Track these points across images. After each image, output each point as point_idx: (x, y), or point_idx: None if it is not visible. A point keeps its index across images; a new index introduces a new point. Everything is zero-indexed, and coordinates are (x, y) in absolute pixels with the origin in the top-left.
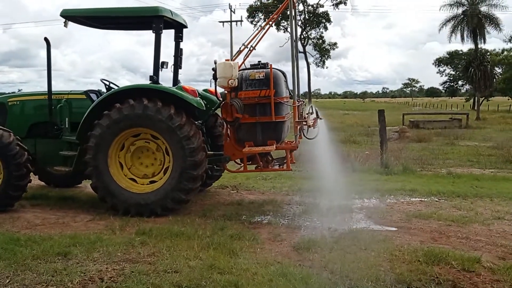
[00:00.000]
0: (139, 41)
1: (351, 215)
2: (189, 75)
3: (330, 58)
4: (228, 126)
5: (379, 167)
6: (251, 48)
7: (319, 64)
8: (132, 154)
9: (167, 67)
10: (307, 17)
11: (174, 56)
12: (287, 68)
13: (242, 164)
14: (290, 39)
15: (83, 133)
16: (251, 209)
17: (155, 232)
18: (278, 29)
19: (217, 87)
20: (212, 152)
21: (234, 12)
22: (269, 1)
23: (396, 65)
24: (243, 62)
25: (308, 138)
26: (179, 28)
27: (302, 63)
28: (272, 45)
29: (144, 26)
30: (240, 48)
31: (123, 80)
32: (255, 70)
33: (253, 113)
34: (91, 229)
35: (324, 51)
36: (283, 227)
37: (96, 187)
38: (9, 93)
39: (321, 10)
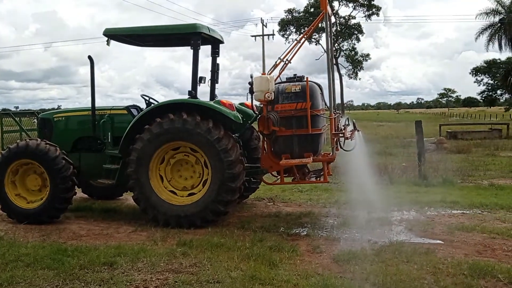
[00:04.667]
0: (173, 57)
1: (390, 228)
2: (221, 88)
3: (362, 69)
4: (265, 139)
5: (418, 179)
6: (287, 62)
7: (352, 76)
8: (172, 167)
9: (205, 82)
10: (339, 29)
11: (211, 71)
12: (319, 80)
13: (279, 177)
14: (326, 52)
15: (125, 147)
16: (289, 221)
17: (196, 243)
18: (309, 41)
19: (253, 101)
20: (249, 165)
21: (266, 26)
22: (301, 15)
23: (431, 75)
24: (278, 76)
25: (346, 150)
26: (215, 43)
27: (325, 75)
28: (303, 58)
29: (182, 43)
30: (276, 61)
31: (158, 95)
32: (291, 83)
33: (290, 125)
34: (134, 240)
35: (356, 62)
36: (322, 239)
37: (138, 199)
38: (52, 109)
39: (353, 21)
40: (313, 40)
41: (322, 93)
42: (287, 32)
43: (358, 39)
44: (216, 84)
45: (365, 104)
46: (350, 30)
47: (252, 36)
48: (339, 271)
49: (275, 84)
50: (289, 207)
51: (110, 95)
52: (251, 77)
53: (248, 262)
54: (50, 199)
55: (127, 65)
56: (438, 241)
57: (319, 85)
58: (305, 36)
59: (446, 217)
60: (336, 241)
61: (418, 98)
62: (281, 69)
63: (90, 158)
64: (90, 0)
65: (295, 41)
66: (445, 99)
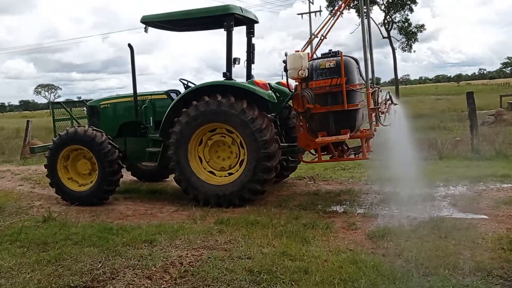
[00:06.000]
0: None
1: (433, 204)
2: (271, 69)
3: (417, 41)
4: (300, 117)
5: (470, 153)
6: (322, 38)
7: (406, 49)
8: (209, 148)
9: (239, 63)
10: (390, 0)
11: (247, 51)
12: (374, 55)
13: (317, 155)
14: (360, 24)
15: (165, 130)
16: (327, 199)
17: (232, 221)
18: (359, 15)
19: (289, 79)
20: (286, 144)
21: (312, 3)
22: None
23: (493, 44)
24: (314, 52)
25: (383, 125)
26: (250, 24)
27: (387, 49)
28: (356, 34)
29: (216, 25)
30: (310, 37)
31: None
32: (325, 59)
33: (325, 102)
34: (175, 219)
35: (410, 34)
36: (359, 216)
37: (179, 180)
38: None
39: None
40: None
41: (359, 68)
42: (335, 8)
43: (411, 10)
44: (252, 65)
45: (423, 78)
46: (402, 1)
47: (299, 14)
48: (372, 247)
49: (310, 60)
50: (329, 185)
51: (165, 81)
52: (286, 55)
53: (281, 239)
54: (99, 182)
55: (180, 52)
56: (482, 216)
57: (355, 60)
58: (340, 10)
59: (495, 191)
60: (373, 218)
61: (480, 69)
62: (316, 44)
63: (134, 142)
64: None
65: (329, 16)
66: (509, 68)
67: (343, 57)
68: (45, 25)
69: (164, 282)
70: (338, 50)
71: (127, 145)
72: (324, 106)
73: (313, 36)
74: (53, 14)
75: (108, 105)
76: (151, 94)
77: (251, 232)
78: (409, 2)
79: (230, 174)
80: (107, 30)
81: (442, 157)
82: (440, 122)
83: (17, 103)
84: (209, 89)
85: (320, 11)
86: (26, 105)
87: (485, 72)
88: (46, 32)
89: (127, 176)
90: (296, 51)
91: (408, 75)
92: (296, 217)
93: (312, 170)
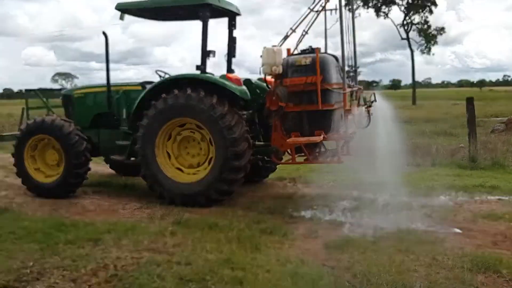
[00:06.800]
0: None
1: (408, 213)
2: None
3: (436, 44)
4: (274, 115)
5: (466, 162)
6: (304, 33)
7: (425, 51)
8: (179, 144)
9: (214, 56)
10: (410, 1)
11: (228, 44)
12: (395, 57)
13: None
14: (338, 20)
15: (134, 123)
16: (299, 203)
17: (192, 222)
18: (377, 15)
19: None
20: (261, 143)
21: (328, 1)
22: None
23: None
24: (296, 48)
25: (360, 128)
26: (232, 16)
27: (406, 51)
28: (377, 34)
29: (194, 16)
30: (287, 33)
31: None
32: (302, 56)
33: (299, 101)
34: (134, 216)
35: (430, 37)
36: (325, 223)
37: (145, 176)
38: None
39: None
40: (381, 13)
41: (339, 66)
42: (354, 6)
43: (431, 11)
44: (233, 58)
45: (445, 82)
46: (422, 2)
47: (315, 11)
48: (325, 258)
49: (289, 56)
50: (307, 188)
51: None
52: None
53: (232, 244)
54: (65, 174)
55: (198, 45)
56: (455, 230)
57: (336, 57)
58: (322, 6)
59: (477, 203)
60: (339, 226)
61: (504, 75)
62: (298, 40)
63: (107, 134)
64: None
65: (308, 11)
66: None
67: (320, 54)
68: (66, 13)
69: (87, 286)
70: (318, 47)
71: (100, 137)
72: (298, 105)
73: (290, 31)
74: (74, 2)
75: (82, 95)
76: (125, 85)
77: (205, 236)
78: (428, 4)
79: (198, 172)
80: (127, 20)
81: (435, 164)
82: (449, 128)
83: None
84: (182, 82)
85: (335, 9)
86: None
87: (509, 79)
88: (68, 20)
89: (105, 169)
90: (273, 46)
91: (429, 79)
92: (258, 221)
93: (297, 171)
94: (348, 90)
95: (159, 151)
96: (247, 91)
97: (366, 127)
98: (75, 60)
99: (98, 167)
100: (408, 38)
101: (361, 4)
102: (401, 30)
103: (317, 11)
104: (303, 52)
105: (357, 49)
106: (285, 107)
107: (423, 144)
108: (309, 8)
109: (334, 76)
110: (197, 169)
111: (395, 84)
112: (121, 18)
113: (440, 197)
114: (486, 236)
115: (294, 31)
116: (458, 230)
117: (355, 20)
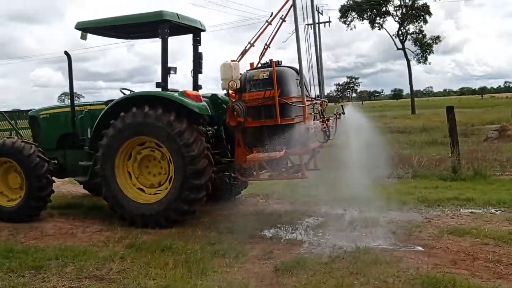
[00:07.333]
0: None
1: (372, 230)
2: None
3: (432, 53)
4: (234, 131)
5: (448, 172)
6: (266, 47)
7: (421, 60)
8: (139, 164)
9: (175, 73)
10: (404, 11)
11: (193, 60)
12: (395, 67)
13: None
14: (295, 31)
15: (96, 143)
16: (265, 221)
17: (146, 245)
18: (372, 27)
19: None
20: (227, 159)
21: (321, 14)
22: None
23: None
24: (259, 62)
25: (321, 142)
26: (196, 32)
27: (402, 61)
28: (376, 45)
29: (154, 33)
30: (245, 47)
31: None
32: (260, 70)
33: (258, 116)
34: (92, 240)
35: (425, 46)
36: (283, 242)
37: (106, 197)
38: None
39: (420, 2)
40: (376, 25)
41: (300, 79)
42: (349, 18)
43: (425, 21)
44: (200, 74)
45: (447, 90)
46: (416, 12)
47: (308, 24)
48: (270, 283)
49: (249, 71)
50: (278, 205)
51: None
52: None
53: (177, 269)
54: (26, 197)
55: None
56: (417, 248)
57: (295, 70)
58: (281, 18)
59: (447, 218)
60: (296, 246)
61: (505, 82)
62: (261, 54)
63: (72, 155)
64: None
65: (266, 24)
66: None
67: (278, 67)
68: (72, 34)
69: None
70: (278, 60)
71: (66, 158)
72: (257, 120)
73: (249, 45)
74: None
75: (47, 116)
76: (90, 104)
77: (153, 260)
78: (423, 14)
79: (158, 192)
80: (132, 40)
81: (415, 175)
82: (442, 137)
83: None
84: (141, 99)
85: (329, 21)
86: None
87: (510, 85)
88: (74, 41)
89: (78, 189)
90: (232, 61)
91: (431, 87)
92: (213, 242)
93: (272, 186)
94: (307, 103)
95: (119, 171)
96: (207, 107)
97: (326, 142)
98: (84, 80)
99: (73, 187)
100: (404, 48)
101: (356, 16)
102: (397, 40)
103: (277, 23)
104: (263, 66)
105: (357, 60)
106: (245, 122)
107: (408, 155)
108: (266, 21)
109: (294, 90)
110: (158, 188)
111: (397, 94)
112: (83, 37)
113: (410, 212)
114: (447, 254)
115: (252, 45)
116: (419, 248)
117: (352, 31)
